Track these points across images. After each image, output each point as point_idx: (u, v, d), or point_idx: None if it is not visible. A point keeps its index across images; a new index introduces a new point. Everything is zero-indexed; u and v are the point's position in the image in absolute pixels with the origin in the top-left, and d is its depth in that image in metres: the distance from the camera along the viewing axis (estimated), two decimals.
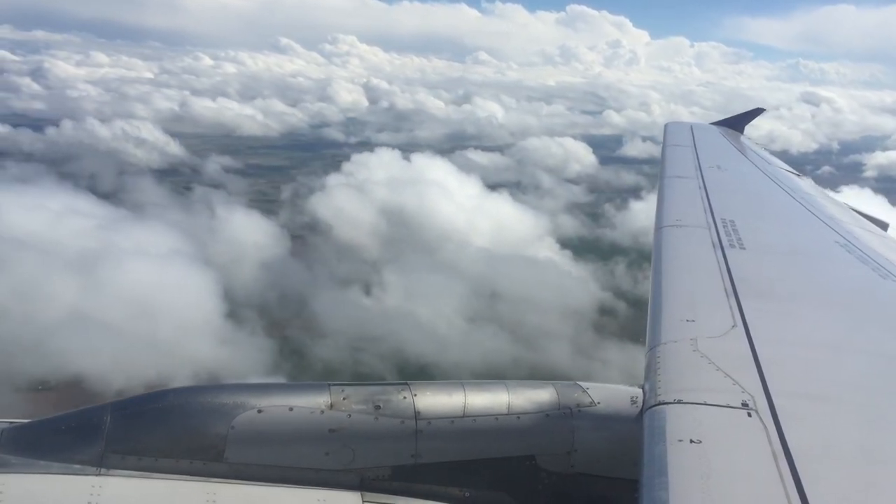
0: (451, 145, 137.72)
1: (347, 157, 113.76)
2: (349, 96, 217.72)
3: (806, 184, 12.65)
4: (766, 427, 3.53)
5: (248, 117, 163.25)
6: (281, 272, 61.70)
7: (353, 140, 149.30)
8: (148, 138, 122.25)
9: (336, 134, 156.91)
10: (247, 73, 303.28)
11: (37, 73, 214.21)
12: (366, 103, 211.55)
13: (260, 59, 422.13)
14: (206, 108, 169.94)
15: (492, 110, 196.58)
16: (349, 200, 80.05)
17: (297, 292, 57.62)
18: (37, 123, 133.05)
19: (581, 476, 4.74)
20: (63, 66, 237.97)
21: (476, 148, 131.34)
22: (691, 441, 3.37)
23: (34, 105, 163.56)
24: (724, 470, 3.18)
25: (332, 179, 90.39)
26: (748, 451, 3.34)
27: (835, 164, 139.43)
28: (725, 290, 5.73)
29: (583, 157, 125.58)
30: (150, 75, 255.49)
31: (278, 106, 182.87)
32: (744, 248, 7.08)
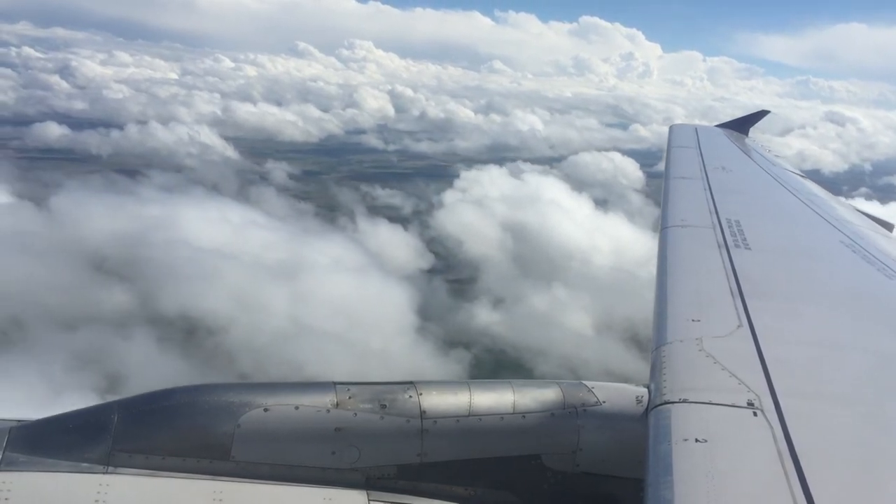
0: (497, 157, 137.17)
1: (401, 167, 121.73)
2: (375, 103, 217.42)
3: (810, 185, 12.65)
4: (771, 426, 3.52)
5: (291, 123, 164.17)
6: (439, 285, 64.41)
7: (392, 147, 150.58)
8: (208, 143, 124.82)
9: (374, 141, 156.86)
10: (267, 77, 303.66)
11: (65, 72, 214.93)
12: (392, 110, 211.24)
13: (279, 62, 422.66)
14: (249, 112, 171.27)
15: (532, 122, 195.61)
16: (471, 216, 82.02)
17: (462, 305, 59.86)
18: (89, 125, 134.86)
19: (586, 475, 4.73)
20: (90, 65, 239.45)
21: (525, 160, 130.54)
22: (696, 440, 3.36)
23: (75, 105, 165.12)
24: (729, 469, 3.17)
25: (449, 196, 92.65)
26: (754, 451, 3.34)
27: (869, 185, 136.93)
28: (731, 289, 5.72)
29: (630, 173, 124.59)
30: (174, 76, 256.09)
31: (314, 112, 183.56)
32: (749, 249, 7.08)
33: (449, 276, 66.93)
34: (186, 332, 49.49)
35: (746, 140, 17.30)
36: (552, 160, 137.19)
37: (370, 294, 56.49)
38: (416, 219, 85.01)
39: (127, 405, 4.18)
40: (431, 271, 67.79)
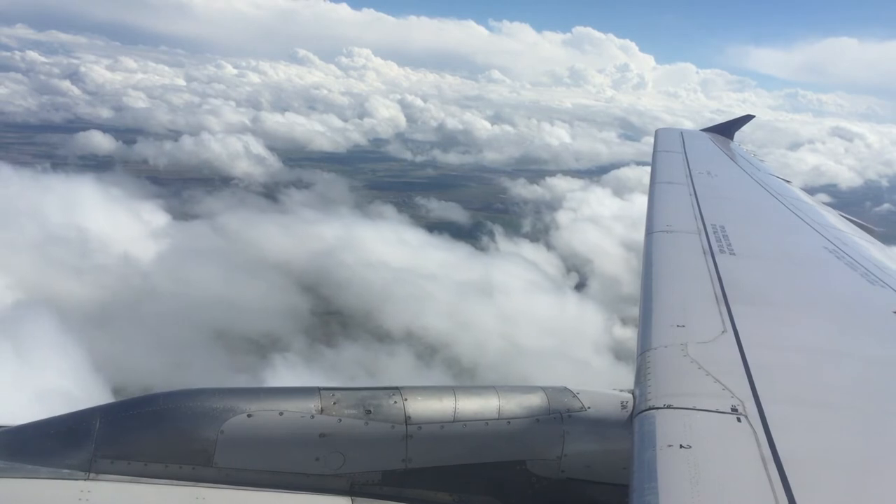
0: (535, 169, 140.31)
1: (448, 179, 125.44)
2: (387, 112, 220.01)
3: (795, 190, 12.73)
4: (755, 432, 3.53)
5: (319, 133, 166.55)
6: (603, 302, 65.95)
7: (419, 159, 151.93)
8: (257, 153, 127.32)
9: (403, 152, 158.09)
10: (271, 84, 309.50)
11: (74, 77, 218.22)
12: (403, 119, 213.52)
13: (280, 69, 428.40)
14: (278, 123, 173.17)
15: (559, 135, 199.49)
16: (592, 235, 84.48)
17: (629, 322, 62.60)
18: (127, 133, 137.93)
19: (571, 481, 4.73)
20: (99, 71, 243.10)
21: (564, 174, 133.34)
22: (681, 446, 3.36)
23: (101, 113, 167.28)
24: (713, 475, 3.18)
25: (562, 215, 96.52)
26: (737, 456, 3.34)
27: (888, 199, 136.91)
28: (715, 295, 5.73)
29: None
30: (181, 82, 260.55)
31: (336, 122, 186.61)
32: (734, 254, 7.09)
33: (602, 293, 68.61)
34: (420, 349, 53.07)
35: (731, 144, 17.36)
36: (590, 173, 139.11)
37: (561, 311, 59.66)
38: (540, 236, 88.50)
39: (109, 411, 4.13)
40: (581, 287, 70.16)
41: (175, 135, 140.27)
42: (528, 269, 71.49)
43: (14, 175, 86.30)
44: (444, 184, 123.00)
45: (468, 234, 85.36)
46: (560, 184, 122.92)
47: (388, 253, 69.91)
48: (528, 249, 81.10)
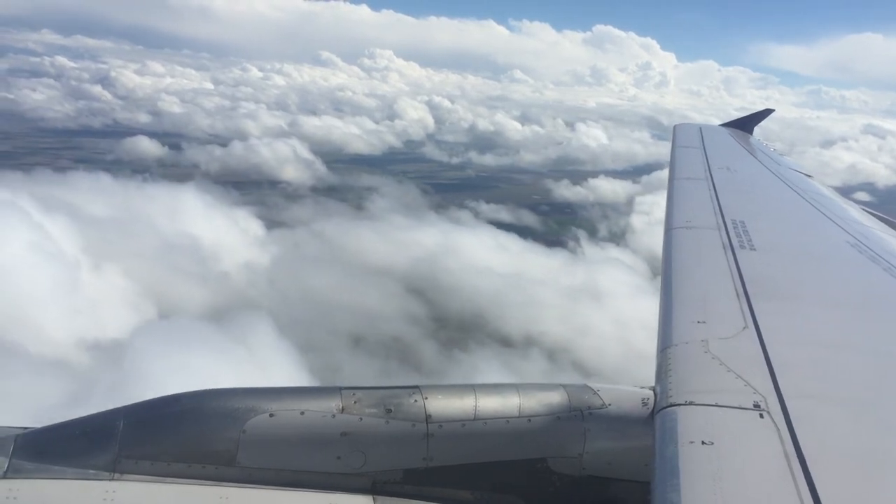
0: (576, 170, 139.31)
1: (495, 181, 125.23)
2: (415, 113, 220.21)
3: (816, 184, 12.57)
4: (777, 428, 3.49)
5: (356, 136, 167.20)
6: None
7: (455, 160, 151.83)
8: (304, 157, 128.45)
9: (439, 154, 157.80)
10: (296, 86, 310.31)
11: (105, 82, 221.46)
12: (431, 121, 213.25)
13: (305, 71, 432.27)
14: (315, 126, 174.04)
15: (595, 136, 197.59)
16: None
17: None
18: (171, 138, 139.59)
19: (592, 478, 4.70)
20: (129, 75, 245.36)
21: (605, 175, 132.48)
22: (703, 443, 3.34)
23: (139, 118, 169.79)
24: (736, 471, 3.15)
25: (636, 219, 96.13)
26: (760, 453, 3.30)
27: None
28: (736, 291, 5.69)
29: None
30: (210, 86, 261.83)
31: (368, 124, 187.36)
32: (754, 249, 7.04)
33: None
34: (545, 354, 54.06)
35: (751, 139, 17.26)
36: (630, 174, 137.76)
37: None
38: (619, 240, 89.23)
39: (133, 411, 4.20)
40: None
41: (217, 139, 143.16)
42: (627, 273, 71.81)
43: (113, 183, 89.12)
44: (489, 185, 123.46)
45: (546, 237, 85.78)
46: (604, 185, 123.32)
47: (486, 257, 70.92)
48: (615, 253, 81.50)
